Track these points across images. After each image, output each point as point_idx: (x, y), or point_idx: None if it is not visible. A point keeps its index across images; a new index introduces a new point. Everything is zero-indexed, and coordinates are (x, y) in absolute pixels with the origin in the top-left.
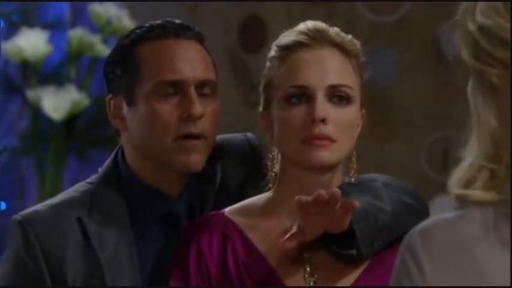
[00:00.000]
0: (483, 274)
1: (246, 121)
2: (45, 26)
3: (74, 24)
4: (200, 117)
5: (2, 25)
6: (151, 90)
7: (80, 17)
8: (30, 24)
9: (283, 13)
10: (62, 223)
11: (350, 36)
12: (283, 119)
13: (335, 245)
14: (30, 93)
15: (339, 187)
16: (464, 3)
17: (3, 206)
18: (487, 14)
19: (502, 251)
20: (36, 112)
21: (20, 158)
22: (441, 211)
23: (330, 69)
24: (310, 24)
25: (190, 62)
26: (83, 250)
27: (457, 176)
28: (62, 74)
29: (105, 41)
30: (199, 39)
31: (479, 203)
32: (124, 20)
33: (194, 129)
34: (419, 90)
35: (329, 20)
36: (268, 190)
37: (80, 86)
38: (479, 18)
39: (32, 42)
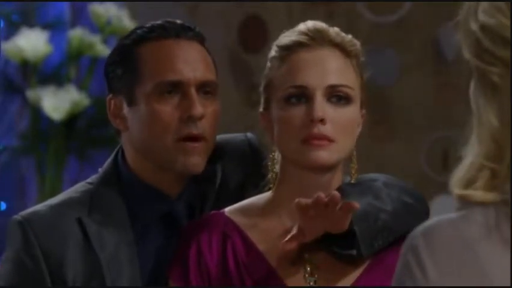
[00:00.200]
0: (485, 274)
1: (246, 121)
2: (45, 26)
3: (74, 24)
4: (201, 118)
5: (2, 25)
6: (151, 90)
7: (80, 17)
8: (30, 24)
9: (283, 13)
10: (62, 223)
11: (350, 36)
12: (283, 119)
13: (335, 245)
14: (30, 93)
15: (339, 187)
16: (467, 2)
17: (3, 206)
18: (489, 13)
19: (503, 250)
20: (36, 112)
21: (20, 158)
22: (441, 211)
23: (330, 69)
24: (310, 24)
25: (191, 62)
26: (83, 250)
27: (458, 175)
28: (62, 74)
29: (105, 41)
30: (200, 39)
31: (481, 203)
32: (124, 20)
33: (195, 130)
34: (419, 90)
35: (329, 20)
36: (269, 190)
37: (80, 86)
38: (482, 17)
39: (32, 42)
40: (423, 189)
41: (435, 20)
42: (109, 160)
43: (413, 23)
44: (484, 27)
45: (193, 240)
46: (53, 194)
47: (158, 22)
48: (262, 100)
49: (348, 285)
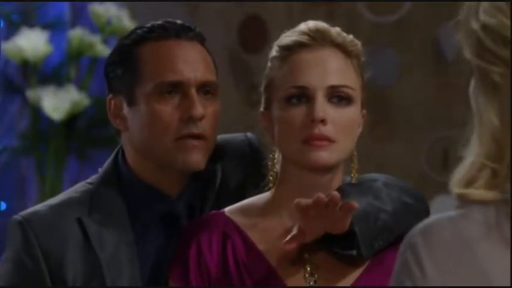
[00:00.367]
0: (485, 273)
1: (246, 121)
2: (45, 26)
3: (74, 24)
4: (201, 118)
5: (2, 25)
6: (151, 90)
7: (80, 17)
8: (30, 24)
9: (284, 13)
10: (62, 223)
11: (351, 37)
12: (283, 119)
13: (335, 245)
14: (30, 93)
15: (339, 187)
16: (467, 2)
17: (3, 206)
18: (490, 13)
19: (503, 250)
20: (36, 112)
21: (20, 158)
22: (441, 211)
23: (330, 69)
24: (311, 24)
25: (191, 63)
26: (83, 250)
27: (458, 175)
28: (62, 74)
29: (105, 41)
30: (200, 39)
31: (481, 202)
32: (124, 20)
33: (195, 130)
34: (419, 90)
35: (329, 20)
36: (269, 190)
37: (80, 86)
38: (483, 17)
39: (32, 42)
40: (423, 189)
41: (435, 20)
42: (109, 160)
43: (413, 23)
44: (485, 27)
45: (193, 240)
46: (53, 194)
47: (159, 22)
48: (262, 100)
49: (348, 285)
